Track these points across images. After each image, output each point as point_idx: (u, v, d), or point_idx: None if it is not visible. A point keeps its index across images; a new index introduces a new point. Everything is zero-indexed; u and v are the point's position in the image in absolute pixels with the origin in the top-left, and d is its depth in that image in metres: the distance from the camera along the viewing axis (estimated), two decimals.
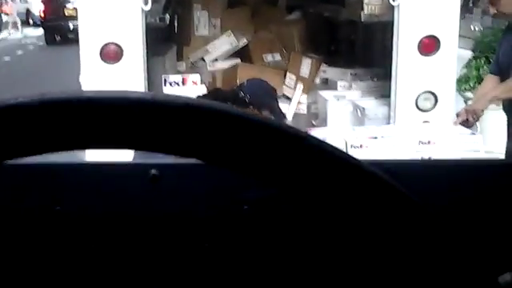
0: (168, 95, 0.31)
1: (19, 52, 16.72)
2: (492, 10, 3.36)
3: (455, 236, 0.34)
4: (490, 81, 3.23)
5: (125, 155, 0.73)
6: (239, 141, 0.31)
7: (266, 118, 0.33)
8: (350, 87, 4.26)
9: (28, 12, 23.64)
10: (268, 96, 3.07)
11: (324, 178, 0.32)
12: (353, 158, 0.33)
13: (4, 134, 0.30)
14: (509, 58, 3.08)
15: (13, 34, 21.79)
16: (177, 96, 0.32)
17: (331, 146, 0.32)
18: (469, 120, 3.02)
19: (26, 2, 23.64)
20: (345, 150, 0.36)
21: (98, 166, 0.68)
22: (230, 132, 0.31)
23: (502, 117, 3.29)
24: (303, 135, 0.32)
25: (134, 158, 1.52)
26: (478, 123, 3.06)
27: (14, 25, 22.17)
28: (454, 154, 2.54)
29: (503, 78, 3.08)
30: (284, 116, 3.34)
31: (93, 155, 2.11)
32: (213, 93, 3.55)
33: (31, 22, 23.67)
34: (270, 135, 0.31)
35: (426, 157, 2.49)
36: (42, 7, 18.85)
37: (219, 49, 4.90)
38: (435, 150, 2.63)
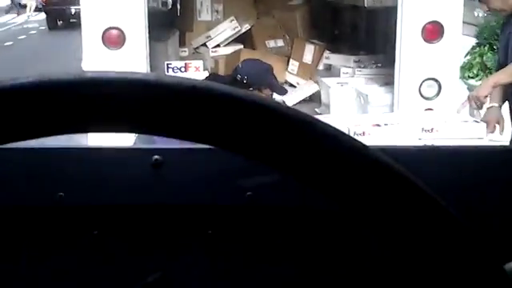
0: (173, 77, 0.31)
1: (21, 37, 16.70)
2: (484, 8, 3.37)
3: (461, 222, 0.33)
4: None
5: (126, 140, 0.73)
6: (245, 124, 0.31)
7: (275, 102, 0.32)
8: (353, 74, 4.24)
9: None
10: (265, 74, 3.05)
11: (329, 163, 0.32)
12: (359, 143, 0.32)
13: (3, 116, 0.29)
14: (505, 52, 3.12)
15: (15, 18, 21.76)
16: (183, 78, 0.31)
17: (337, 130, 0.32)
18: (471, 106, 3.03)
19: None
20: None
21: (100, 150, 0.68)
22: (237, 115, 0.30)
23: (505, 106, 3.29)
24: (309, 119, 0.31)
25: (136, 143, 1.52)
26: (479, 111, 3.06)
27: (29, 8, 22.21)
28: (457, 142, 2.54)
29: None
30: (285, 91, 3.33)
31: (95, 140, 2.11)
32: (210, 79, 3.53)
33: None
34: (277, 119, 0.31)
35: (429, 144, 2.49)
36: None
37: (222, 34, 4.87)
38: (438, 137, 2.62)
